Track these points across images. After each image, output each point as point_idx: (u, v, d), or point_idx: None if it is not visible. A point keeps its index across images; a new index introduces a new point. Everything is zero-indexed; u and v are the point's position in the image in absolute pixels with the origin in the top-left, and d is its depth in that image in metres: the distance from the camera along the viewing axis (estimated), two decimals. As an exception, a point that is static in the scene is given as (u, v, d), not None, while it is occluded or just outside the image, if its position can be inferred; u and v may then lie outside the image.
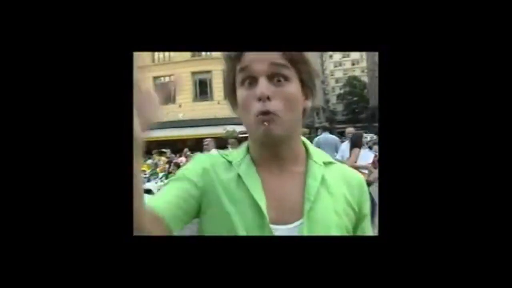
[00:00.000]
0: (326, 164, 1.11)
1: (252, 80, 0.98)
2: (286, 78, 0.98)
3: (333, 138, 9.18)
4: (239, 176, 1.04)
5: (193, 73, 30.03)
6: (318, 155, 1.13)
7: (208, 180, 1.03)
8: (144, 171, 16.81)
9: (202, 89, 30.42)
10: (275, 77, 0.98)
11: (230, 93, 1.06)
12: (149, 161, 20.46)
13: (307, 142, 1.17)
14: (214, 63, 28.14)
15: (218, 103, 27.59)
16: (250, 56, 0.96)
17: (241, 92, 1.00)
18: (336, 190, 1.04)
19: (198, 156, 1.15)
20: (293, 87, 0.99)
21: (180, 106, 28.06)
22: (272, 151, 1.05)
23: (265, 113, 0.96)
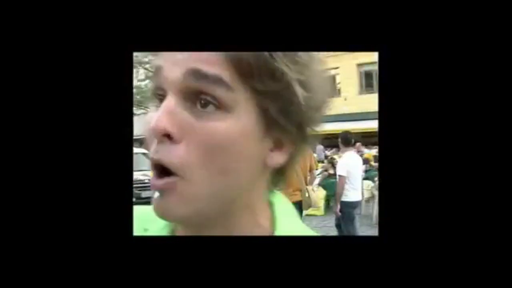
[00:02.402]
0: None
1: (162, 97, 0.65)
2: (220, 105, 0.61)
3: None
4: None
5: (358, 65, 30.17)
6: (288, 231, 0.76)
7: None
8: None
9: (368, 81, 30.43)
10: (198, 99, 0.61)
11: None
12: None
13: (278, 207, 0.78)
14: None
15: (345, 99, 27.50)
16: (164, 58, 0.66)
17: (149, 115, 0.65)
18: None
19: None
20: (233, 124, 0.61)
21: (345, 99, 28.23)
22: (193, 231, 0.72)
23: (156, 167, 0.62)
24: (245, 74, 0.61)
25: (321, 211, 12.13)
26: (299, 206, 6.60)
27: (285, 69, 0.63)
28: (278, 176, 0.76)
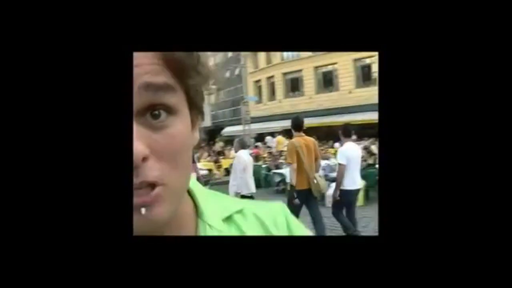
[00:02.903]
0: (229, 218, 0.82)
1: None
2: (170, 110, 0.65)
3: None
4: None
5: (316, 68, 30.64)
6: (213, 210, 0.81)
7: None
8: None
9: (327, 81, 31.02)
10: (148, 113, 0.65)
11: None
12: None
13: (197, 191, 0.82)
14: (337, 56, 28.63)
15: (350, 92, 27.78)
16: None
17: None
18: None
19: None
20: (181, 123, 0.67)
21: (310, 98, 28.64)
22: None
23: (140, 187, 0.65)
24: (181, 74, 0.67)
25: (360, 202, 11.87)
26: (309, 193, 7.29)
27: (207, 62, 0.72)
28: None
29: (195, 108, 0.72)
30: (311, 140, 7.81)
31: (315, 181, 7.27)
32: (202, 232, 0.78)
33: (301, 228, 0.88)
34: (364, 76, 31.81)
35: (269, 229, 0.83)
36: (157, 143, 0.64)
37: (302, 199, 7.69)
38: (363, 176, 11.57)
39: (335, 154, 18.55)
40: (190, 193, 0.81)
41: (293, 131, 8.20)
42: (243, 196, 8.55)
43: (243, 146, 9.91)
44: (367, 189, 12.29)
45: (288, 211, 0.89)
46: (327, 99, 32.46)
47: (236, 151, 9.96)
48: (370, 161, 12.31)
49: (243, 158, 9.34)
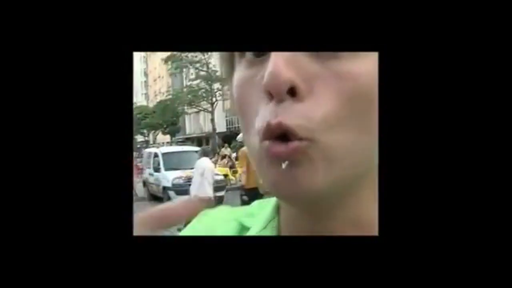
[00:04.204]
0: None
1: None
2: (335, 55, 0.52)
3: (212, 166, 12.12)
4: None
5: None
6: None
7: None
8: None
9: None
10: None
11: (230, 72, 0.63)
12: None
13: None
14: None
15: None
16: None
17: (238, 73, 0.57)
18: None
19: (205, 212, 0.79)
20: (363, 64, 0.55)
21: None
22: (314, 218, 0.60)
23: (274, 133, 0.50)
24: None
25: None
26: (256, 191, 8.56)
27: None
28: None
29: None
30: None
31: (261, 181, 8.02)
32: None
33: None
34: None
35: None
36: (325, 78, 0.51)
37: (250, 196, 9.15)
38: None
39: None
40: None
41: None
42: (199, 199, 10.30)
43: (206, 154, 12.12)
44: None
45: None
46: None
47: (199, 158, 11.82)
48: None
49: (201, 165, 11.22)
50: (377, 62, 0.54)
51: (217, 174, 13.68)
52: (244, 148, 9.01)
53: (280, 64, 0.51)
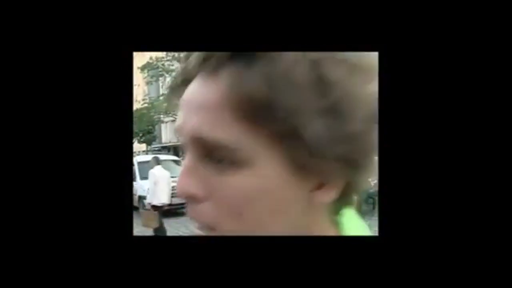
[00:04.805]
0: None
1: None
2: (233, 161, 0.54)
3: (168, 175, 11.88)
4: None
5: None
6: None
7: None
8: None
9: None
10: (212, 156, 0.55)
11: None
12: None
13: (347, 228, 0.72)
14: None
15: None
16: (181, 111, 0.59)
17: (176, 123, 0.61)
18: None
19: None
20: (254, 177, 0.55)
21: None
22: None
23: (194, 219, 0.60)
24: (256, 119, 0.52)
25: None
26: None
27: (307, 96, 0.52)
28: (340, 204, 0.69)
29: (311, 168, 0.56)
30: None
31: None
32: None
33: None
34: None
35: None
36: (216, 187, 0.56)
37: None
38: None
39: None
40: (339, 228, 0.72)
41: None
42: (154, 206, 11.05)
43: (158, 163, 12.09)
44: (359, 203, 12.34)
45: None
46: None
47: (151, 167, 12.00)
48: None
49: (154, 174, 11.42)
50: (257, 174, 0.55)
51: (175, 182, 13.75)
52: None
53: (182, 178, 0.56)
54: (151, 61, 31.79)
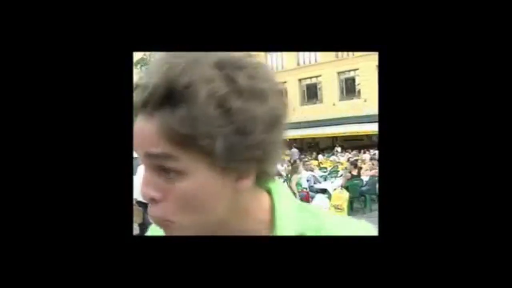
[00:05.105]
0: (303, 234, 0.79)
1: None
2: (177, 172, 0.69)
3: None
4: None
5: (339, 73, 30.67)
6: (289, 223, 0.80)
7: None
8: (325, 168, 17.37)
9: (348, 88, 30.89)
10: (161, 169, 0.70)
11: None
12: (332, 158, 21.25)
13: (278, 201, 0.82)
14: (360, 61, 28.78)
15: (365, 101, 27.95)
16: (134, 137, 0.71)
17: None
18: None
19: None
20: (192, 183, 0.70)
21: (365, 101, 28.61)
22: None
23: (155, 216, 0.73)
24: (183, 144, 0.67)
25: (344, 212, 11.86)
26: None
27: (216, 126, 0.68)
28: (261, 181, 0.79)
29: (232, 168, 0.71)
30: None
31: None
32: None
33: None
34: (347, 88, 32.09)
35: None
36: (169, 192, 0.70)
37: None
38: (347, 188, 11.65)
39: (318, 165, 18.88)
40: (272, 203, 0.82)
41: None
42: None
43: None
44: (351, 200, 12.35)
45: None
46: (311, 111, 32.71)
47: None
48: (354, 172, 12.46)
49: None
50: (196, 179, 0.71)
51: None
52: None
53: (143, 185, 0.70)
54: (145, 56, 31.86)
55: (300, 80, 35.04)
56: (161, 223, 0.73)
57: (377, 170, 12.46)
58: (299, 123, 30.29)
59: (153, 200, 0.71)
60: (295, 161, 15.37)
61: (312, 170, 14.53)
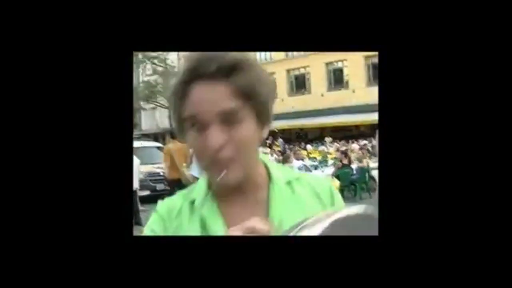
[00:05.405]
0: (290, 182, 1.07)
1: (201, 126, 0.90)
2: (238, 121, 0.91)
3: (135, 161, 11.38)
4: (202, 219, 0.98)
5: (327, 64, 30.69)
6: (279, 175, 1.08)
7: (168, 227, 0.99)
8: (314, 158, 17.45)
9: (336, 78, 30.92)
10: (226, 122, 0.89)
11: (180, 129, 0.97)
12: (321, 147, 21.36)
13: (268, 162, 1.12)
14: (308, 60, 29.00)
15: (353, 91, 28.05)
16: (194, 101, 0.89)
17: (191, 135, 0.93)
18: (303, 211, 0.96)
19: (158, 203, 1.06)
20: (247, 128, 0.93)
21: (353, 91, 28.61)
22: (233, 188, 0.98)
23: (220, 161, 0.91)
24: (246, 98, 0.89)
25: None
26: (179, 181, 9.60)
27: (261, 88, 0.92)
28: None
29: (261, 116, 0.94)
30: (182, 145, 9.70)
31: (185, 173, 9.41)
32: (271, 190, 1.03)
33: (340, 200, 1.11)
34: (335, 79, 32.13)
35: (320, 196, 1.07)
36: (230, 138, 0.89)
37: (172, 185, 10.17)
38: (338, 176, 11.73)
39: (308, 155, 18.96)
40: (264, 163, 1.09)
41: (170, 138, 10.61)
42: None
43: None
44: (342, 189, 12.40)
45: (332, 185, 1.13)
46: (299, 102, 32.75)
47: None
48: (345, 161, 12.57)
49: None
50: (249, 125, 0.92)
51: (159, 168, 13.73)
52: (168, 145, 10.69)
53: (214, 135, 0.88)
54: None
55: (288, 71, 34.98)
56: (222, 167, 0.90)
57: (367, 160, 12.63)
58: (288, 113, 30.29)
59: (222, 146, 0.88)
60: (285, 151, 15.53)
61: (302, 160, 14.60)
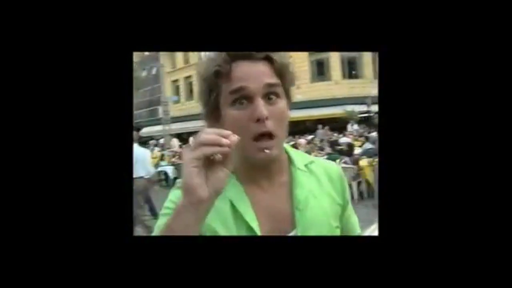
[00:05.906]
0: (307, 165, 1.15)
1: (246, 100, 0.97)
2: (278, 95, 0.98)
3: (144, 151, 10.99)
4: (229, 201, 1.00)
5: (310, 54, 30.62)
6: (299, 160, 1.15)
7: None
8: None
9: (320, 70, 30.86)
10: (267, 96, 0.96)
11: (212, 112, 1.02)
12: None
13: (288, 147, 1.17)
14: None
15: (336, 83, 28.06)
16: (240, 76, 0.95)
17: (231, 113, 0.98)
18: (321, 191, 1.10)
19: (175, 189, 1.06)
20: (283, 103, 1.00)
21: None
22: (262, 169, 1.06)
23: (265, 134, 0.96)
24: (282, 76, 0.97)
25: None
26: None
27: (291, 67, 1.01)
28: None
29: (288, 95, 1.03)
30: None
31: None
32: (293, 173, 1.10)
33: (346, 185, 1.20)
34: (318, 71, 32.04)
35: (332, 178, 1.15)
36: (272, 112, 0.95)
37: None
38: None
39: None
40: (285, 150, 1.13)
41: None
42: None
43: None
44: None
45: (340, 169, 1.23)
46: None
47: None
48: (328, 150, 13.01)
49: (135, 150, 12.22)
50: (285, 100, 1.00)
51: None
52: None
53: (261, 106, 0.94)
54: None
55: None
56: (268, 145, 0.96)
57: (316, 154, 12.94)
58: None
59: (266, 119, 0.95)
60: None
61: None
